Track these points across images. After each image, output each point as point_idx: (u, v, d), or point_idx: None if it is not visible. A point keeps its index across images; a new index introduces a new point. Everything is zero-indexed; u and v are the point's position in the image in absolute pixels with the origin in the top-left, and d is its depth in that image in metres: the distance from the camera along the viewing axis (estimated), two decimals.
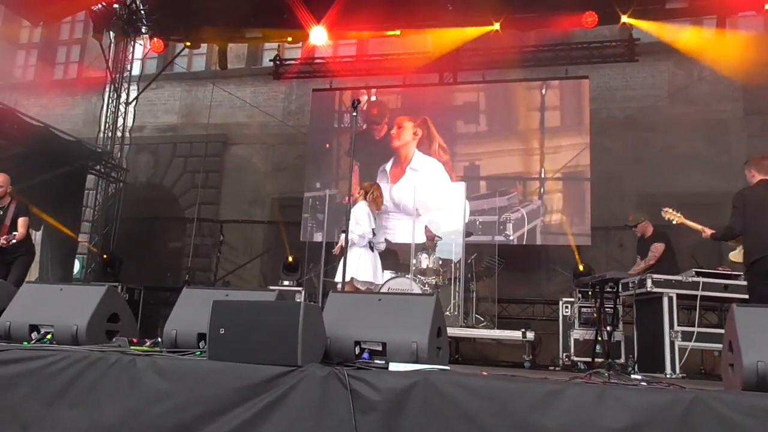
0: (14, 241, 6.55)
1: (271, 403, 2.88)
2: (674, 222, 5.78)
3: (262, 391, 2.91)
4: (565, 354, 7.48)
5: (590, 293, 7.29)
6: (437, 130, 10.70)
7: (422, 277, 7.80)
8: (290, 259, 10.13)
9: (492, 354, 8.87)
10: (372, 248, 6.62)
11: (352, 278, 6.28)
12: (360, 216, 6.56)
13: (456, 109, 10.93)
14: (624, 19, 9.25)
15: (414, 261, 7.84)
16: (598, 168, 9.77)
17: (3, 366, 3.15)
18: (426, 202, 9.49)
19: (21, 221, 6.76)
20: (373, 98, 11.12)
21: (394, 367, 3.11)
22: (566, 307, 7.73)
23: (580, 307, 7.57)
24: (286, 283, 9.42)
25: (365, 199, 6.77)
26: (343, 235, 6.33)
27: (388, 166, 10.79)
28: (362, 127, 10.71)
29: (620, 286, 6.37)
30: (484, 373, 3.23)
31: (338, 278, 6.35)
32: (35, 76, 16.05)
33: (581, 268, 8.69)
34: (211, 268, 11.98)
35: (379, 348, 3.29)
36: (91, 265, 11.24)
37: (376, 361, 3.21)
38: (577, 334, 7.38)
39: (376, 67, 11.24)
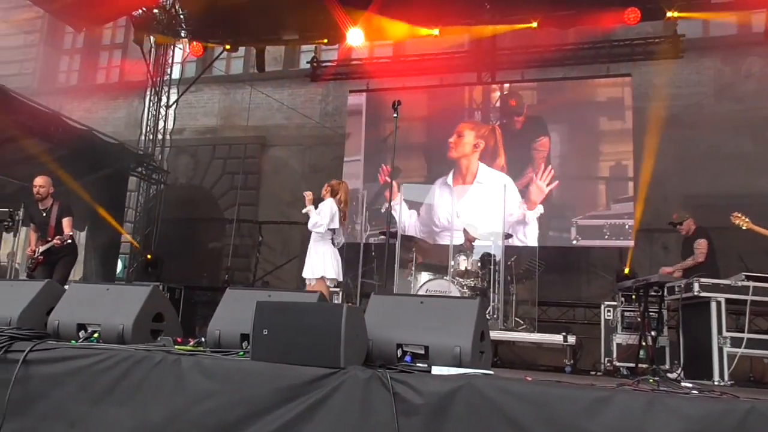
0: (69, 241, 6.69)
1: (314, 405, 2.88)
2: (743, 227, 5.62)
3: (304, 392, 2.90)
4: (607, 359, 7.32)
5: (634, 297, 7.12)
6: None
7: (461, 279, 7.74)
8: None
9: (531, 357, 8.75)
10: (333, 244, 6.58)
11: (322, 276, 6.30)
12: (324, 209, 6.50)
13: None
14: (670, 14, 9.02)
15: (452, 263, 7.78)
16: (641, 167, 9.57)
17: (52, 364, 3.21)
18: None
19: (66, 221, 6.84)
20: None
21: (437, 370, 3.07)
22: (608, 311, 7.56)
23: (623, 311, 7.40)
24: None
25: (332, 197, 6.69)
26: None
27: (450, 179, 10.50)
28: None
29: (665, 290, 6.21)
30: (528, 378, 3.17)
31: (308, 274, 6.41)
32: (79, 81, 16.40)
33: (627, 271, 8.50)
34: (250, 268, 12.08)
35: (422, 351, 3.26)
36: (133, 265, 11.44)
37: (419, 365, 3.19)
38: (620, 338, 7.22)
39: (412, 67, 11.22)
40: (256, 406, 2.94)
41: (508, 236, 8.06)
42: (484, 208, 9.36)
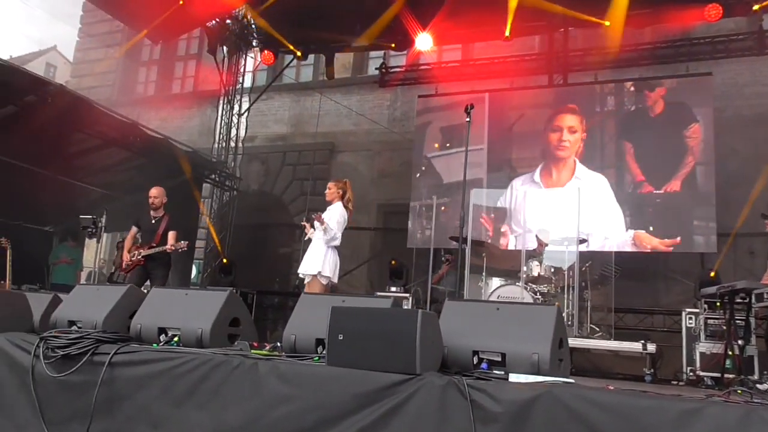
0: (184, 249, 7.18)
1: (390, 411, 2.85)
2: None
3: (380, 398, 2.89)
4: (689, 368, 7.01)
5: (718, 304, 6.81)
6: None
7: (533, 285, 7.58)
8: (394, 263, 10.13)
9: (607, 366, 8.48)
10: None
11: (318, 272, 6.26)
12: (334, 218, 6.40)
13: None
14: (757, 6, 8.59)
15: (525, 268, 7.64)
16: (723, 169, 9.16)
17: (136, 366, 3.30)
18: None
19: (171, 234, 7.30)
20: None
21: (514, 378, 3.01)
22: (690, 318, 7.25)
23: (706, 318, 7.08)
24: (393, 289, 9.42)
25: (342, 200, 6.58)
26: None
27: (537, 175, 10.28)
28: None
29: (753, 297, 5.90)
30: (611, 388, 3.06)
31: (303, 270, 6.36)
32: (156, 91, 17.00)
33: (712, 275, 8.13)
34: None
35: (498, 358, 3.19)
36: (207, 270, 11.73)
37: (495, 372, 3.12)
38: (703, 347, 6.90)
39: (482, 71, 11.09)
40: (332, 412, 2.94)
41: (582, 241, 7.85)
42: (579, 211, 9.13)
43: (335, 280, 6.56)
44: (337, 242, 6.43)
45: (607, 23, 8.89)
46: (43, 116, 8.31)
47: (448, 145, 11.00)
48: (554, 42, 10.53)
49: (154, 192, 7.53)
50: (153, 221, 7.46)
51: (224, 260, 11.26)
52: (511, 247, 9.70)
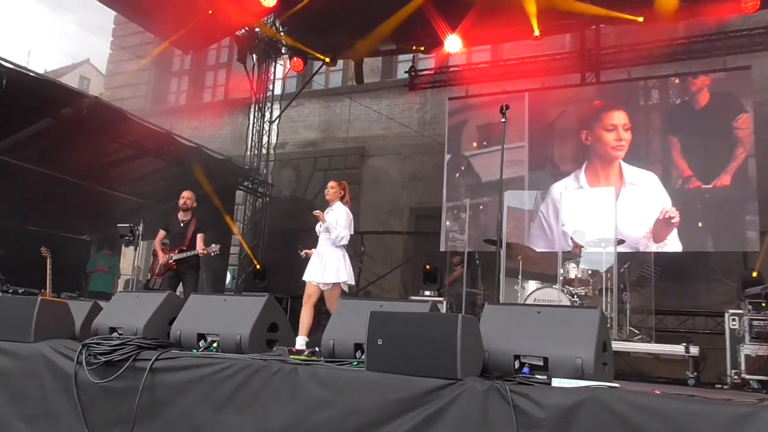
0: (217, 252, 7.31)
1: (431, 416, 2.82)
2: None
3: (421, 404, 2.86)
4: (734, 371, 6.83)
5: (764, 305, 6.63)
6: None
7: (570, 288, 7.48)
8: (428, 267, 10.08)
9: (647, 369, 8.32)
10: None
11: (344, 281, 6.20)
12: (342, 218, 6.35)
13: None
14: None
15: (561, 271, 7.53)
16: (763, 164, 8.93)
17: (176, 372, 3.32)
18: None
19: (200, 237, 7.40)
20: None
21: (557, 382, 2.95)
22: (733, 320, 7.06)
23: (751, 319, 6.88)
24: (426, 293, 9.37)
25: (341, 200, 6.52)
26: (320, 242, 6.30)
27: (582, 176, 10.08)
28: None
29: None
30: (657, 392, 2.99)
31: (319, 278, 6.23)
32: (187, 101, 17.22)
33: (755, 275, 7.91)
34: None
35: (540, 363, 3.14)
36: (242, 276, 11.82)
37: (538, 376, 3.07)
38: (749, 349, 6.71)
39: (512, 71, 11.01)
40: (372, 417, 2.92)
41: (620, 242, 7.72)
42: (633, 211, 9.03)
43: (352, 282, 6.54)
44: (345, 241, 6.36)
45: (640, 19, 8.74)
46: (79, 128, 8.48)
47: (485, 143, 10.93)
48: (586, 40, 10.41)
49: (187, 194, 7.68)
50: (181, 224, 7.55)
51: (257, 266, 11.34)
52: (546, 249, 9.57)
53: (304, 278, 6.38)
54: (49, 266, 8.28)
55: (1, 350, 3.87)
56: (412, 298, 8.68)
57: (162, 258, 7.42)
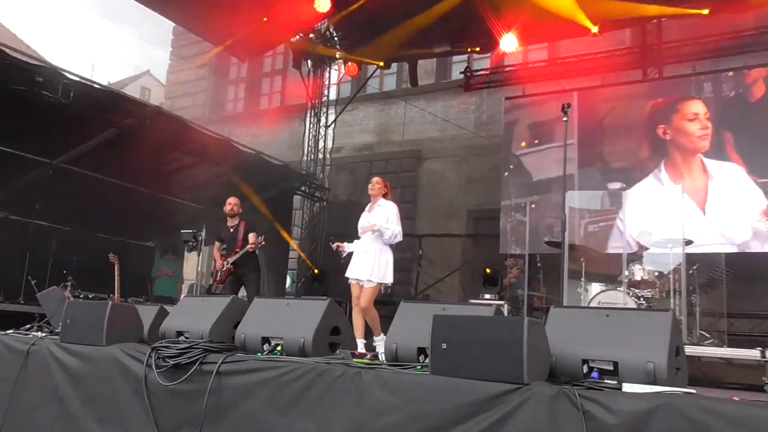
0: (262, 243, 7.41)
1: (498, 421, 2.77)
2: None
3: (487, 408, 2.80)
4: None
5: None
6: None
7: (636, 290, 7.26)
8: (488, 271, 9.97)
9: (718, 375, 8.00)
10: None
11: (389, 282, 6.12)
12: (392, 214, 6.25)
13: None
14: None
15: (626, 273, 7.32)
16: None
17: (242, 375, 3.36)
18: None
19: (252, 236, 7.54)
20: None
21: (628, 388, 2.85)
22: None
23: None
24: (486, 296, 9.26)
25: (383, 197, 6.43)
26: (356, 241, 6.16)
27: (663, 175, 9.76)
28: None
29: None
30: (735, 398, 2.85)
31: (365, 276, 6.10)
32: (244, 108, 17.55)
33: None
34: (411, 281, 12.17)
35: (610, 367, 3.04)
36: (301, 280, 11.95)
37: (607, 381, 2.98)
38: None
39: (570, 69, 10.79)
40: (437, 422, 2.88)
41: (688, 242, 7.45)
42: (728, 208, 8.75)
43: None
44: (401, 237, 6.31)
45: (705, 12, 8.44)
46: (142, 137, 8.70)
47: (536, 141, 10.80)
48: (647, 34, 10.12)
49: (233, 200, 7.84)
50: (231, 230, 7.73)
51: (315, 271, 11.44)
52: (610, 250, 9.34)
53: (347, 275, 6.30)
54: (116, 272, 8.55)
55: (74, 353, 4.00)
56: (472, 301, 8.59)
57: (219, 264, 7.58)
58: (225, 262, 7.55)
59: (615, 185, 9.89)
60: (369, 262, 6.16)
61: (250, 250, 7.39)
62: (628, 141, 10.07)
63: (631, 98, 10.17)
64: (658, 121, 9.85)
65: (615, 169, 10.06)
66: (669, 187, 9.36)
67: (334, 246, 6.51)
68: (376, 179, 6.59)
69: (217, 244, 7.83)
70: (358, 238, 6.44)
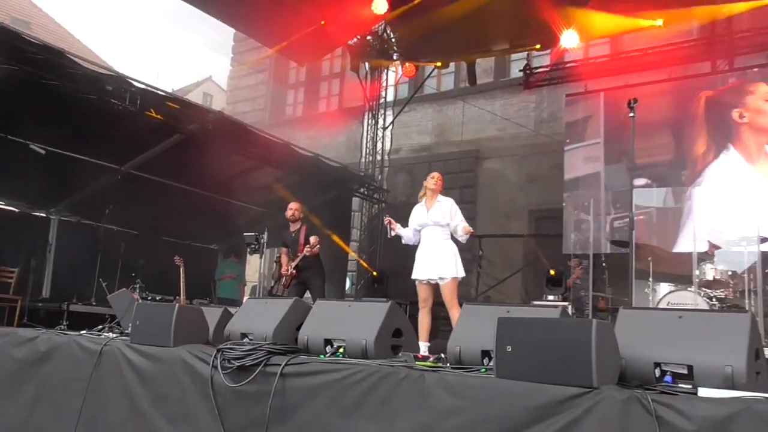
0: (317, 246, 7.42)
1: (566, 426, 2.68)
2: None
3: (555, 413, 2.72)
4: None
5: None
6: None
7: (707, 290, 6.99)
8: (552, 272, 9.79)
9: None
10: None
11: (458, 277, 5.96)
12: (455, 209, 6.14)
13: None
14: None
15: (697, 272, 7.05)
16: None
17: (305, 377, 3.37)
18: None
19: (313, 239, 7.56)
20: None
21: (704, 392, 2.73)
22: None
23: None
24: (550, 297, 9.11)
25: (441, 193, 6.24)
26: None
27: (731, 162, 9.36)
28: None
29: None
30: None
31: (434, 275, 5.98)
32: (303, 112, 17.76)
33: None
34: (471, 283, 12.05)
35: (684, 371, 2.91)
36: (360, 282, 11.99)
37: (681, 386, 2.86)
38: None
39: (634, 63, 10.49)
40: (503, 425, 2.82)
41: (764, 240, 7.12)
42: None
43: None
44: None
45: None
46: (205, 142, 8.90)
47: (567, 141, 10.72)
48: (716, 25, 9.75)
49: (295, 206, 7.91)
50: (293, 234, 7.80)
51: (374, 273, 11.46)
52: (677, 249, 9.05)
53: (414, 277, 6.16)
54: (182, 274, 8.76)
55: (144, 354, 4.10)
56: (535, 303, 8.45)
57: (284, 269, 7.67)
58: (288, 267, 7.63)
59: (640, 181, 9.63)
60: (436, 259, 6.06)
61: (307, 254, 7.42)
62: (657, 137, 9.81)
63: (655, 96, 9.86)
64: (730, 106, 9.48)
65: (639, 165, 9.76)
66: (741, 180, 8.99)
67: (386, 220, 6.44)
68: (437, 174, 6.45)
69: (283, 249, 7.92)
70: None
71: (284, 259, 7.86)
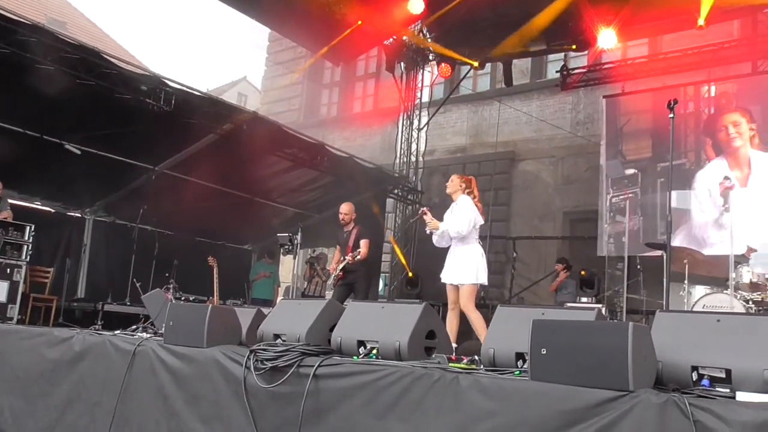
0: (359, 257, 7.38)
1: (602, 429, 2.65)
2: None
3: (590, 416, 2.69)
4: None
5: None
6: None
7: (744, 293, 6.84)
8: (583, 273, 9.69)
9: None
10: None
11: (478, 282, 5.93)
12: (465, 212, 5.98)
13: None
14: None
15: (733, 275, 6.90)
16: None
17: (339, 378, 3.37)
18: None
19: (363, 242, 7.54)
20: None
21: (743, 396, 2.67)
22: None
23: None
24: (584, 300, 9.00)
25: (465, 193, 6.13)
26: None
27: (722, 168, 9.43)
28: None
29: None
30: None
31: (453, 279, 5.94)
32: (338, 112, 17.81)
33: None
34: (505, 284, 11.99)
35: (722, 375, 2.86)
36: (394, 283, 11.98)
37: (719, 390, 2.80)
38: None
39: (673, 64, 10.31)
40: (538, 429, 2.79)
41: None
42: None
43: (485, 282, 6.30)
44: (465, 232, 6.03)
45: None
46: (239, 142, 8.97)
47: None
48: (758, 25, 9.53)
49: (345, 209, 7.90)
50: (345, 235, 7.82)
51: (410, 274, 11.44)
52: (715, 253, 8.87)
53: (441, 276, 6.27)
54: (215, 275, 8.84)
55: (177, 354, 4.12)
56: (569, 305, 8.36)
57: (332, 269, 7.75)
58: (335, 268, 7.67)
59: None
60: (457, 263, 6.11)
61: (350, 261, 7.41)
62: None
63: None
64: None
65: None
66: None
67: (421, 210, 6.44)
68: (454, 175, 6.45)
69: (338, 247, 7.98)
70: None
71: (336, 256, 7.92)
